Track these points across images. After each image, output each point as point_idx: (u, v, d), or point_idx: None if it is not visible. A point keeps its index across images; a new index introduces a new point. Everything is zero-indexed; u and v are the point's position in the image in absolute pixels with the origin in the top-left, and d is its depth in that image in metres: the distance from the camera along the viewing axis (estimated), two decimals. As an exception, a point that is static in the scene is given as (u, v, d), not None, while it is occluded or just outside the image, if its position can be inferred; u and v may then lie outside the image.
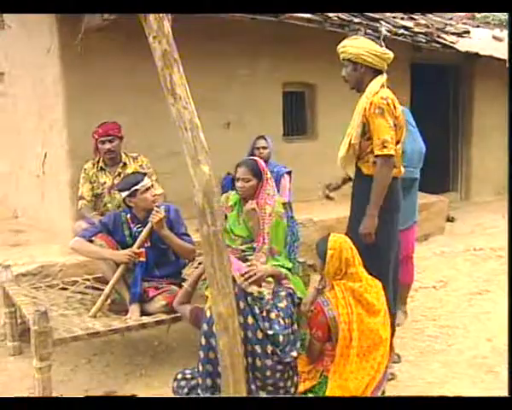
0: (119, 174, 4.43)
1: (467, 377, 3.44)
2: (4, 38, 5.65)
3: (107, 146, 4.34)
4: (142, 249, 3.59)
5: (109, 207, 4.43)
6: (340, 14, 5.23)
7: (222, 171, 5.09)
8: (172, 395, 3.00)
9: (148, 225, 3.58)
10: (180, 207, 3.94)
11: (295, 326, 2.87)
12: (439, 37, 6.21)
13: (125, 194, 3.65)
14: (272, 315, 2.80)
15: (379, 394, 2.88)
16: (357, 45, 3.25)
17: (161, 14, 2.46)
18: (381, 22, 5.68)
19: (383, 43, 5.56)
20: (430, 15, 7.37)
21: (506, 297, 4.08)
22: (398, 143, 3.27)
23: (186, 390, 2.94)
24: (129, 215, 3.73)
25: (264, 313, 2.79)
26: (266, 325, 2.76)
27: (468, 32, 7.01)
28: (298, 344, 2.82)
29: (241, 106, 5.65)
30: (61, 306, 3.60)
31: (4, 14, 5.28)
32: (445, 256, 6.07)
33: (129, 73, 4.90)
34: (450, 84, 8.08)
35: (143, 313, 3.51)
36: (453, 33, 6.80)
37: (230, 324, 2.57)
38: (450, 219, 7.15)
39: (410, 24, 6.16)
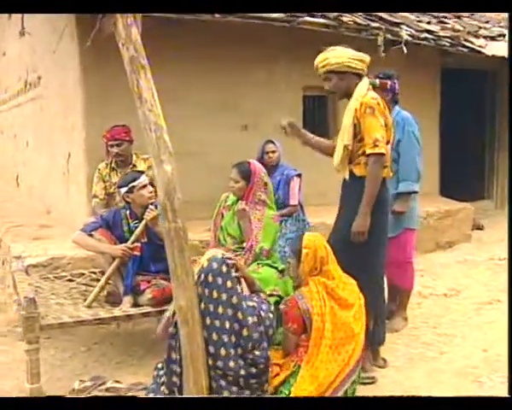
0: (129, 174, 4.64)
1: (449, 385, 3.39)
2: (41, 42, 6.04)
3: (116, 150, 4.52)
4: (137, 244, 3.77)
5: (120, 205, 4.65)
6: (355, 19, 5.24)
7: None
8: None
9: (143, 222, 3.76)
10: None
11: (262, 328, 2.94)
12: (466, 40, 6.08)
13: (123, 190, 3.86)
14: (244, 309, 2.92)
15: (346, 386, 2.93)
16: (338, 55, 3.31)
17: (129, 22, 2.61)
18: (402, 27, 5.63)
19: (405, 48, 5.60)
20: (466, 19, 7.20)
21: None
22: (387, 143, 3.31)
23: (163, 379, 3.08)
24: (128, 212, 3.93)
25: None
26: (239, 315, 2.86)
27: (503, 36, 6.80)
28: (265, 344, 2.90)
29: (259, 109, 5.75)
30: (61, 296, 3.83)
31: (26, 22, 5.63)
32: (466, 264, 5.93)
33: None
34: (486, 90, 7.86)
35: (135, 305, 3.69)
36: (486, 37, 6.62)
37: (190, 316, 2.71)
38: (479, 227, 6.95)
39: (435, 28, 6.06)
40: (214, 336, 2.80)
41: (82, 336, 4.15)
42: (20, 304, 4.04)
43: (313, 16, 5.03)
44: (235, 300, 2.85)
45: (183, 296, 2.68)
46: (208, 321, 2.81)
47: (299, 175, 5.06)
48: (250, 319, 2.87)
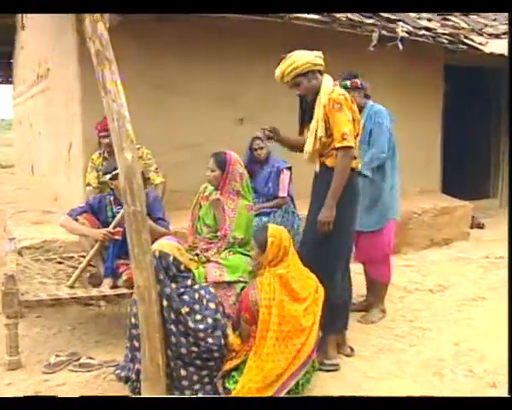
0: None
1: (410, 375, 3.46)
2: (50, 35, 6.28)
3: (106, 140, 4.63)
4: (119, 229, 3.93)
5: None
6: (349, 15, 5.30)
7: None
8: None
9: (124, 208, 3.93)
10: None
11: (219, 315, 3.07)
12: (466, 38, 6.06)
13: (107, 176, 4.03)
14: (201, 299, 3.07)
15: (296, 379, 3.02)
16: (303, 57, 3.42)
17: (96, 17, 2.77)
18: (399, 23, 5.66)
19: (400, 45, 5.63)
20: (473, 16, 7.16)
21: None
22: (356, 136, 3.41)
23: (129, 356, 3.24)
24: (112, 198, 4.11)
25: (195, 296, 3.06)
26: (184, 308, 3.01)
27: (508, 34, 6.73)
28: (218, 332, 3.03)
29: (256, 103, 5.86)
30: (47, 276, 4.04)
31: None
32: (459, 262, 5.94)
33: (145, 70, 5.29)
34: (491, 88, 7.79)
35: (115, 286, 3.87)
36: (491, 34, 6.58)
37: (147, 295, 2.85)
38: (479, 226, 6.93)
39: (435, 25, 6.06)
40: (167, 325, 2.95)
41: (69, 317, 4.35)
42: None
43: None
44: (181, 291, 3.01)
45: (140, 276, 2.83)
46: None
47: (289, 168, 5.15)
48: (197, 313, 3.01)
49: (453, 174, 7.38)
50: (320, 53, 3.53)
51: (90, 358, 3.58)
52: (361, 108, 4.23)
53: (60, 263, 4.39)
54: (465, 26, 6.62)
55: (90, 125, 5.10)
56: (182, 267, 3.13)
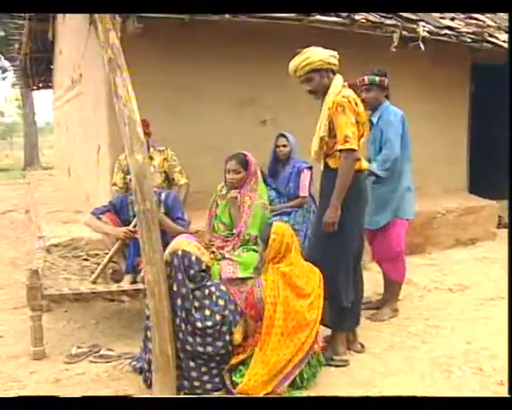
0: (147, 165, 5.02)
1: (418, 372, 3.50)
2: (83, 41, 6.55)
3: None
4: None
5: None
6: (368, 17, 5.34)
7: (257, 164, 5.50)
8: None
9: (120, 230, 4.10)
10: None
11: (227, 312, 3.19)
12: (491, 36, 6.00)
13: (129, 178, 4.22)
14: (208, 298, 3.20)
15: (299, 370, 3.12)
16: (317, 54, 3.49)
17: (108, 26, 2.94)
18: (420, 23, 5.66)
19: (422, 45, 5.64)
20: (501, 14, 7.06)
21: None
22: (361, 137, 3.47)
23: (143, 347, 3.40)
24: (133, 198, 4.28)
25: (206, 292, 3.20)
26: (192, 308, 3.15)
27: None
28: (224, 329, 3.15)
29: (279, 105, 5.97)
30: (72, 272, 4.26)
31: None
32: (483, 262, 5.90)
33: (168, 74, 5.48)
34: (520, 86, 7.62)
35: (135, 282, 4.05)
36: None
37: (156, 290, 3.00)
38: (506, 226, 6.82)
39: (458, 24, 6.03)
40: (176, 321, 3.09)
41: (94, 312, 4.56)
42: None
43: (325, 15, 5.18)
44: (189, 292, 3.14)
45: (150, 271, 2.98)
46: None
47: (309, 168, 5.23)
48: (206, 308, 3.15)
49: (481, 174, 7.29)
50: (335, 53, 3.58)
51: (110, 350, 3.76)
52: (377, 106, 4.29)
53: (85, 260, 4.62)
54: (491, 23, 6.55)
55: (116, 128, 5.27)
56: (203, 266, 3.26)
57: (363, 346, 3.81)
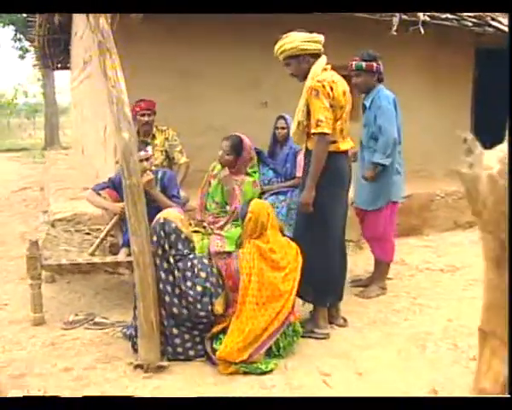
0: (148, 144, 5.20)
1: (395, 347, 3.63)
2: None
3: (146, 119, 5.08)
4: None
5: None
6: (367, 0, 5.39)
7: (257, 144, 5.64)
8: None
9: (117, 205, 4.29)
10: None
11: (208, 284, 3.37)
12: (494, 20, 6.00)
13: None
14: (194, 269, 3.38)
15: (275, 338, 3.30)
16: (291, 40, 3.58)
17: (98, 14, 3.10)
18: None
19: (422, 29, 5.67)
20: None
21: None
22: (337, 120, 3.57)
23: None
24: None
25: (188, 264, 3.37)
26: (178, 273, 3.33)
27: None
28: (206, 299, 3.33)
29: (279, 87, 6.06)
30: (72, 245, 4.48)
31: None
32: (480, 245, 5.93)
33: (171, 59, 5.64)
34: (527, 70, 7.59)
35: (130, 255, 4.24)
36: (525, 15, 6.44)
37: (141, 259, 3.19)
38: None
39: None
40: (160, 285, 3.29)
41: (95, 283, 4.79)
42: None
43: None
44: (177, 258, 3.32)
45: (135, 242, 3.18)
46: (160, 271, 3.32)
47: (306, 149, 5.37)
48: (188, 279, 3.32)
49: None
50: (319, 36, 3.67)
51: (104, 318, 3.99)
52: (369, 90, 4.37)
53: (87, 234, 4.84)
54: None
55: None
56: (182, 236, 3.44)
57: (345, 320, 3.96)
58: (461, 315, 4.12)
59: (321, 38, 3.65)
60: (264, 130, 5.31)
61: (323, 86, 3.49)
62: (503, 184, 1.03)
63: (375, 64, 4.30)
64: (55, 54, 12.42)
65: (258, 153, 5.49)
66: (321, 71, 3.58)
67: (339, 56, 6.28)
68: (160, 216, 3.39)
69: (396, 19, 5.53)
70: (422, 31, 5.62)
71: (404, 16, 5.58)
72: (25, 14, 15.89)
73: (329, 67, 3.66)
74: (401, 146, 4.44)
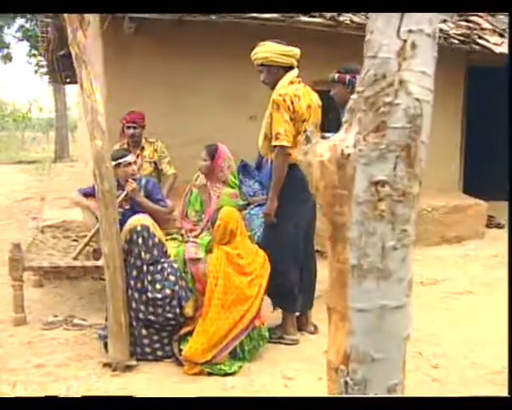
0: (138, 156, 5.37)
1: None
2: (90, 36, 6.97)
3: (132, 131, 5.25)
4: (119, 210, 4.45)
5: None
6: (353, 18, 5.55)
7: (245, 157, 5.78)
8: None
9: (124, 192, 4.44)
10: None
11: (177, 287, 3.49)
12: (481, 38, 6.12)
13: (112, 163, 4.57)
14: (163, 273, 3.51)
15: (239, 340, 3.41)
16: (264, 50, 3.72)
17: (75, 27, 3.27)
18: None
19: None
20: (501, 16, 7.14)
21: (492, 299, 4.15)
22: (299, 133, 3.68)
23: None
24: (115, 183, 4.63)
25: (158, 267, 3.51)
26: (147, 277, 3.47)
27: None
28: (174, 302, 3.45)
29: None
30: (58, 249, 4.64)
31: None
32: (465, 259, 6.02)
33: (161, 72, 5.83)
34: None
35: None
36: (515, 34, 6.55)
37: (111, 262, 3.33)
38: (498, 226, 6.91)
39: (448, 26, 6.17)
40: (129, 291, 3.43)
41: (81, 288, 4.94)
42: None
43: (310, 16, 5.42)
44: (150, 262, 3.45)
45: (105, 245, 3.32)
46: (129, 278, 3.46)
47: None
48: (157, 282, 3.46)
49: (476, 174, 7.38)
50: (294, 50, 3.77)
51: (83, 319, 4.13)
52: (345, 103, 4.49)
53: (75, 241, 5.00)
54: (488, 26, 6.64)
55: (111, 119, 5.69)
56: (156, 240, 3.58)
57: (316, 328, 4.04)
58: (430, 325, 4.18)
59: (295, 51, 3.77)
60: (252, 143, 5.42)
61: (284, 100, 3.61)
62: (333, 170, 1.15)
63: (347, 76, 4.39)
64: (64, 68, 12.73)
65: (244, 166, 5.65)
66: (287, 84, 3.70)
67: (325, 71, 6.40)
68: (136, 224, 3.52)
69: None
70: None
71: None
72: (38, 30, 16.35)
73: (298, 80, 3.79)
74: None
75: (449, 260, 5.99)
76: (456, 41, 6.01)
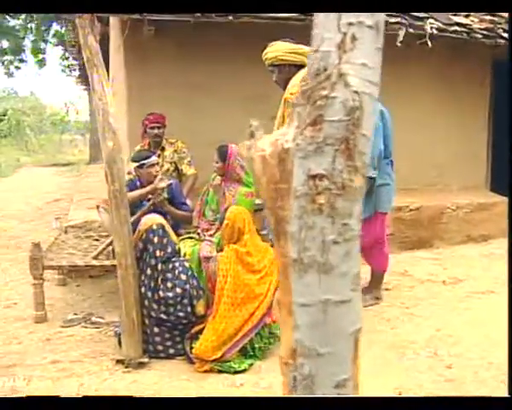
0: (159, 156, 5.45)
1: (373, 353, 3.64)
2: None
3: (156, 131, 5.34)
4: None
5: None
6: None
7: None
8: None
9: (150, 202, 4.46)
10: None
11: (187, 286, 3.53)
12: (505, 31, 5.96)
13: (134, 165, 4.65)
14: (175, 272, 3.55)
15: (248, 338, 3.43)
16: (273, 49, 3.73)
17: (87, 31, 3.35)
18: (428, 20, 5.74)
19: (429, 42, 5.73)
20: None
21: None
22: None
23: None
24: (138, 183, 4.72)
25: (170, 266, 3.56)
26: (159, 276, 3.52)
27: None
28: (185, 301, 3.50)
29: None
30: (78, 249, 4.75)
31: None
32: (490, 258, 5.88)
33: (181, 73, 5.90)
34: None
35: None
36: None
37: (123, 260, 3.40)
38: (526, 224, 6.71)
39: (470, 20, 6.04)
40: (142, 289, 3.49)
41: (103, 287, 5.05)
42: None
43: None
44: (158, 264, 3.51)
45: (118, 244, 3.39)
46: (142, 276, 3.52)
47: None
48: (168, 281, 3.51)
49: (504, 172, 7.18)
50: (304, 48, 3.72)
51: (101, 317, 4.22)
52: None
53: (96, 240, 5.10)
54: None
55: (133, 121, 5.82)
56: (170, 238, 3.64)
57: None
58: (449, 325, 4.11)
59: (306, 49, 3.75)
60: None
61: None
62: (274, 164, 1.15)
63: None
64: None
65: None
66: (299, 82, 3.69)
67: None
68: (151, 223, 3.57)
69: (402, 32, 5.60)
70: (430, 44, 5.66)
71: (410, 29, 5.64)
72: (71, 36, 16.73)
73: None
74: (391, 158, 4.50)
75: (473, 259, 5.86)
76: (480, 35, 5.88)
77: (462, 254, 6.00)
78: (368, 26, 1.16)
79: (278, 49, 3.72)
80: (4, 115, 24.13)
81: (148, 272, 3.51)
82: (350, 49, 1.12)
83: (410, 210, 6.04)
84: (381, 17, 1.18)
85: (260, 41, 5.89)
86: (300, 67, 3.75)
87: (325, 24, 1.16)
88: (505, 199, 6.51)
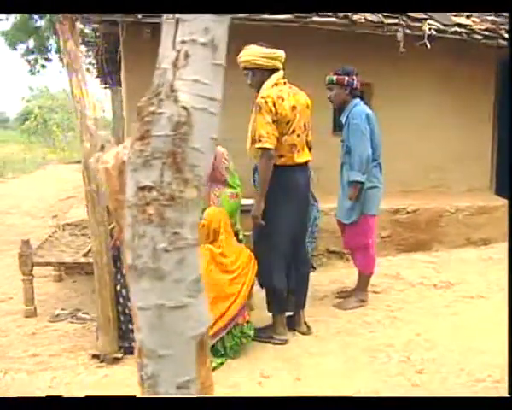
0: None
1: (346, 356, 3.68)
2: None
3: None
4: None
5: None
6: (367, 16, 5.49)
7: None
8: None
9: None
10: None
11: None
12: (507, 32, 5.87)
13: None
14: None
15: (219, 336, 3.50)
16: (247, 53, 3.77)
17: (67, 37, 3.46)
18: (427, 21, 5.70)
19: (428, 43, 5.68)
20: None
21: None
22: (284, 135, 3.71)
23: None
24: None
25: None
26: None
27: None
28: None
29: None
30: (72, 247, 4.88)
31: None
32: (488, 262, 5.80)
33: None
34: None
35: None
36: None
37: (99, 258, 3.50)
38: (530, 229, 6.59)
39: (471, 21, 5.96)
40: (118, 287, 3.59)
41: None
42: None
43: (322, 16, 5.40)
44: None
45: (94, 243, 3.50)
46: (118, 275, 3.62)
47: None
48: None
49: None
50: (278, 53, 3.78)
51: (86, 313, 4.34)
52: (344, 104, 4.47)
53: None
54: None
55: (133, 119, 5.94)
56: None
57: (309, 328, 4.06)
58: (430, 330, 4.10)
59: (279, 53, 3.78)
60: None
61: (266, 102, 3.63)
62: (115, 176, 1.21)
63: (346, 78, 4.36)
64: (112, 71, 13.24)
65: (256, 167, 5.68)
66: (272, 86, 3.73)
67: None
68: None
69: (400, 34, 5.57)
70: (429, 45, 5.61)
71: (408, 31, 5.61)
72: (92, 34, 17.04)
73: (283, 81, 3.80)
74: (379, 160, 4.49)
75: (470, 263, 5.80)
76: (480, 37, 5.81)
77: (460, 258, 5.94)
78: (201, 44, 1.20)
79: (251, 54, 3.76)
80: (31, 113, 24.67)
81: (124, 271, 3.60)
82: (183, 66, 1.17)
83: (407, 212, 6.00)
84: (219, 33, 1.22)
85: (256, 42, 5.97)
86: (273, 71, 3.79)
87: (164, 42, 1.22)
88: (506, 202, 6.41)
